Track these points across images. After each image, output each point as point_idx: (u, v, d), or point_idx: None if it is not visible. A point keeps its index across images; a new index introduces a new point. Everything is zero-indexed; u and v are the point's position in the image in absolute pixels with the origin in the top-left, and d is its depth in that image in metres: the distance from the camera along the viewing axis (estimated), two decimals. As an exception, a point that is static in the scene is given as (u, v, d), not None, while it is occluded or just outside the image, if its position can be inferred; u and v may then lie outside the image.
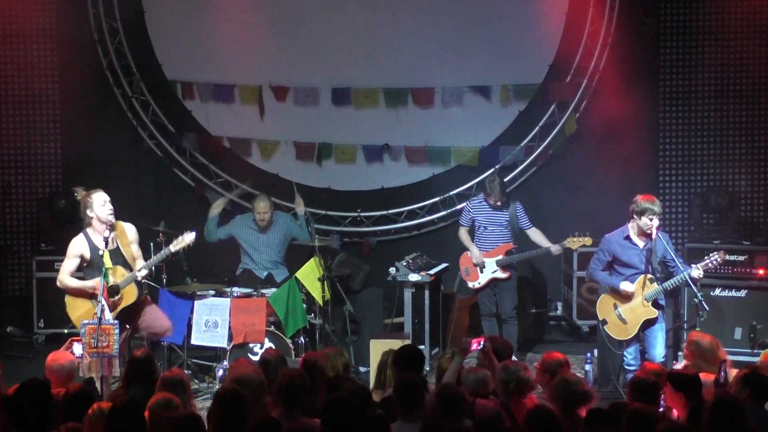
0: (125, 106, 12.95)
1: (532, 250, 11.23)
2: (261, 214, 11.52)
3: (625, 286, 9.73)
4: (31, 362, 11.10)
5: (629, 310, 9.78)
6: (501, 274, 11.30)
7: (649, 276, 9.71)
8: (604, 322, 9.94)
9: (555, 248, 11.12)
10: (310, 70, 12.87)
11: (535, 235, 11.30)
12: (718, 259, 9.73)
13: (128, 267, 9.58)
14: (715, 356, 8.06)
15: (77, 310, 9.55)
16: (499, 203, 11.27)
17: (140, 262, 9.65)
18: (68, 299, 9.65)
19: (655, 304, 9.76)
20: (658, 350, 9.73)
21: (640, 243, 9.75)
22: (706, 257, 9.81)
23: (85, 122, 12.82)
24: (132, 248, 9.72)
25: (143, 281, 9.72)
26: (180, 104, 13.03)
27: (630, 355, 9.78)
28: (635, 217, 9.71)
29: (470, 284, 11.44)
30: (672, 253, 9.72)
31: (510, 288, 11.34)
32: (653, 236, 9.64)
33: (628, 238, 9.79)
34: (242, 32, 12.40)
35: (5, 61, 12.87)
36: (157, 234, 10.73)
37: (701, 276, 9.73)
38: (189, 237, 9.75)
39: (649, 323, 9.76)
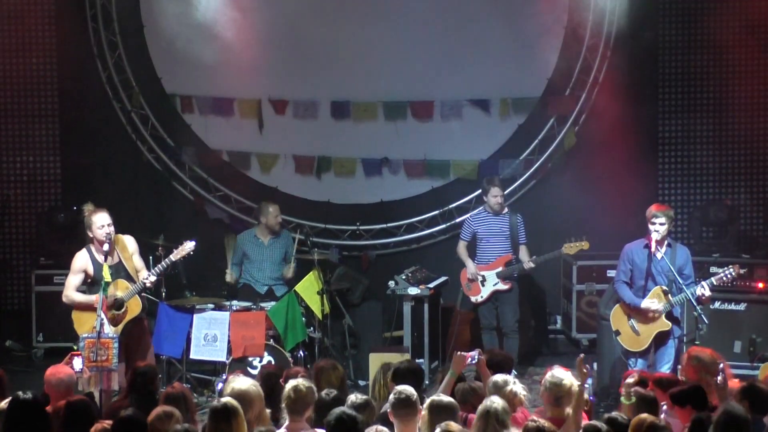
0: (124, 120, 12.96)
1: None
2: (276, 217, 11.49)
3: (647, 303, 9.75)
4: (30, 376, 11.06)
5: (643, 321, 9.80)
6: (502, 286, 11.31)
7: (664, 288, 9.74)
8: (617, 332, 9.95)
9: (527, 265, 11.24)
10: (309, 83, 12.88)
11: (522, 251, 11.35)
12: (733, 273, 9.75)
13: (131, 280, 9.66)
14: (717, 369, 8.05)
15: (85, 325, 9.56)
16: (501, 200, 11.28)
17: (144, 273, 9.72)
18: (75, 315, 9.70)
19: (669, 316, 9.78)
20: (665, 366, 9.74)
21: (659, 253, 9.78)
22: (720, 271, 9.85)
23: (85, 136, 12.83)
24: (134, 260, 9.79)
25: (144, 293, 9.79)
26: (179, 118, 13.04)
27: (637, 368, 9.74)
28: (648, 225, 9.80)
29: (473, 299, 11.45)
30: (689, 268, 9.79)
31: (511, 300, 11.36)
32: (652, 247, 9.72)
33: (647, 246, 9.85)
34: (241, 46, 12.39)
35: (5, 75, 12.87)
36: (156, 248, 10.72)
37: (714, 286, 9.79)
38: (189, 245, 9.89)
39: (662, 336, 9.77)
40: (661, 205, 10.11)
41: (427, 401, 6.87)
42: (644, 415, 6.69)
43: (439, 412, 6.69)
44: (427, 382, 10.56)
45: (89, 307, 9.51)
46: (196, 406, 9.91)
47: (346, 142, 13.03)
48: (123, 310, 9.56)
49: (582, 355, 7.79)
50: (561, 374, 7.31)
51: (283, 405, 6.92)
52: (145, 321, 9.95)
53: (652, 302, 9.73)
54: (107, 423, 6.65)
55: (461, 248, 11.53)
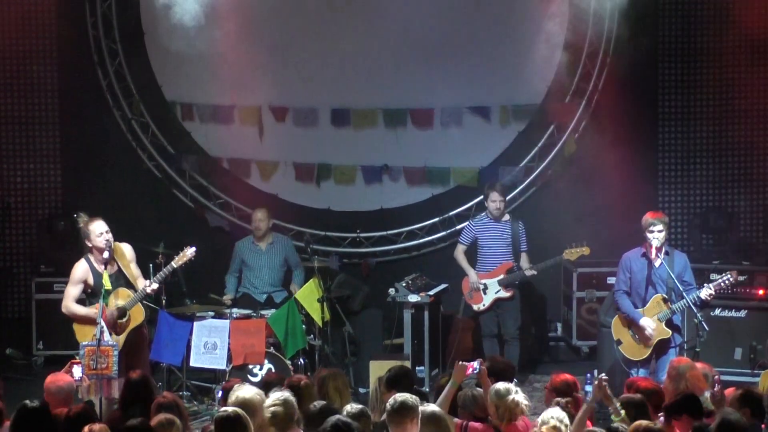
0: (125, 128, 12.96)
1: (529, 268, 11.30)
2: (257, 222, 11.54)
3: (645, 322, 9.75)
4: (30, 384, 11.06)
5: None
6: (504, 294, 11.31)
7: (663, 296, 9.74)
8: (619, 342, 9.95)
9: (528, 272, 11.26)
10: (309, 91, 12.88)
11: (523, 258, 11.36)
12: (731, 279, 9.75)
13: (131, 288, 9.68)
14: (689, 381, 7.98)
15: (87, 335, 9.55)
16: (501, 205, 11.28)
17: (142, 281, 9.72)
18: (76, 326, 9.69)
19: (670, 324, 9.78)
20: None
21: (658, 260, 9.79)
22: (718, 277, 9.84)
23: (85, 144, 12.84)
24: (132, 268, 9.79)
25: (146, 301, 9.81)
26: (179, 126, 13.04)
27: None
28: (645, 233, 9.79)
29: (475, 307, 11.44)
30: (688, 274, 9.79)
31: (513, 308, 11.36)
32: (652, 255, 9.72)
33: (645, 255, 9.85)
34: (241, 53, 12.40)
35: (6, 83, 12.88)
36: (156, 255, 10.73)
37: (712, 296, 9.76)
38: (189, 251, 9.92)
39: (663, 344, 9.76)
40: (655, 212, 10.11)
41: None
42: (641, 421, 6.70)
43: (425, 423, 6.70)
44: (427, 389, 10.58)
45: (90, 321, 9.51)
46: (195, 414, 10.00)
47: (346, 150, 13.03)
48: (126, 318, 9.58)
49: (604, 377, 7.63)
50: (557, 413, 7.17)
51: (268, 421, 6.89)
52: (145, 329, 9.96)
53: (649, 324, 9.73)
54: (97, 426, 6.62)
55: (459, 253, 11.52)
